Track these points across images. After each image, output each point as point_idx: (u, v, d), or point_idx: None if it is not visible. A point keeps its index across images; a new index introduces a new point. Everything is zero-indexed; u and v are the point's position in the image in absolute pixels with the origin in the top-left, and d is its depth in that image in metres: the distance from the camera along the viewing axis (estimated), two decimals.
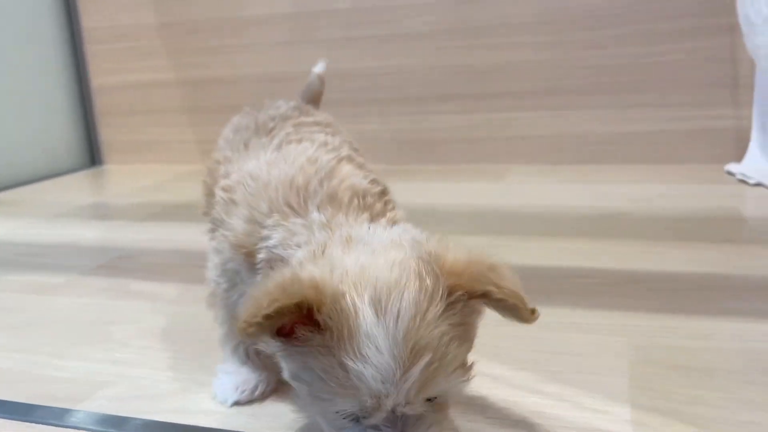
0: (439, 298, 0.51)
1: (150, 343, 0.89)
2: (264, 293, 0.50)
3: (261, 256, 0.63)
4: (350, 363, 0.48)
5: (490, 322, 0.87)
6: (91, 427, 0.69)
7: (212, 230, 0.75)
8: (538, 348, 0.81)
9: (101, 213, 1.71)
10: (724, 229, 1.25)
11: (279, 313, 0.48)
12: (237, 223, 0.66)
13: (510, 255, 1.14)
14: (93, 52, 2.32)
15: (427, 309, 0.50)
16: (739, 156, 1.65)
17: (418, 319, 0.49)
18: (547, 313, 0.88)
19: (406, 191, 1.67)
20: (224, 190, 0.71)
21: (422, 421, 0.51)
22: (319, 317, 0.49)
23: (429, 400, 0.51)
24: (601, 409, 0.67)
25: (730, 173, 1.60)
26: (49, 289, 1.12)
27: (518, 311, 0.52)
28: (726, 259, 1.07)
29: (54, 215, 1.67)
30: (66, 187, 2.09)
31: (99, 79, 2.33)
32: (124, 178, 2.16)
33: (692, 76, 1.73)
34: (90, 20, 2.29)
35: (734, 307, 0.88)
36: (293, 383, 0.55)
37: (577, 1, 1.81)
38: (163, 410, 0.72)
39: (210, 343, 0.87)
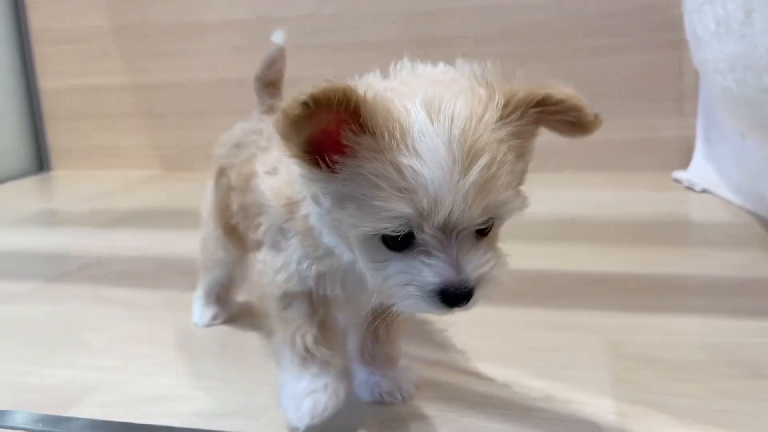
0: (495, 105, 0.49)
1: (132, 350, 0.88)
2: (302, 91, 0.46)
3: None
4: (405, 161, 0.46)
5: (473, 321, 0.91)
6: None
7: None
8: (520, 346, 0.84)
9: (56, 220, 1.66)
10: (676, 232, 1.33)
11: (325, 95, 0.46)
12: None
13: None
14: (42, 54, 2.25)
15: (483, 113, 0.48)
16: (684, 164, 1.74)
17: (474, 121, 0.48)
18: (524, 314, 0.94)
19: None
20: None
21: (477, 247, 0.50)
22: (367, 119, 0.47)
23: (480, 231, 0.50)
24: (586, 401, 0.71)
25: (677, 180, 1.69)
26: (15, 297, 1.09)
27: (581, 113, 0.51)
28: (681, 261, 1.14)
29: (6, 223, 1.61)
30: (14, 193, 2.02)
31: (48, 82, 2.27)
32: (74, 185, 2.10)
33: (641, 89, 1.82)
34: (39, 22, 2.23)
35: (695, 304, 0.94)
36: (333, 216, 0.53)
37: (532, 16, 1.88)
38: (157, 414, 0.72)
39: (193, 350, 0.88)
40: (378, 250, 0.51)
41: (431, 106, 0.48)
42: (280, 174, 0.64)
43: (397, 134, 0.47)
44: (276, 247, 0.65)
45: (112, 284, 1.13)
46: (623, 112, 1.84)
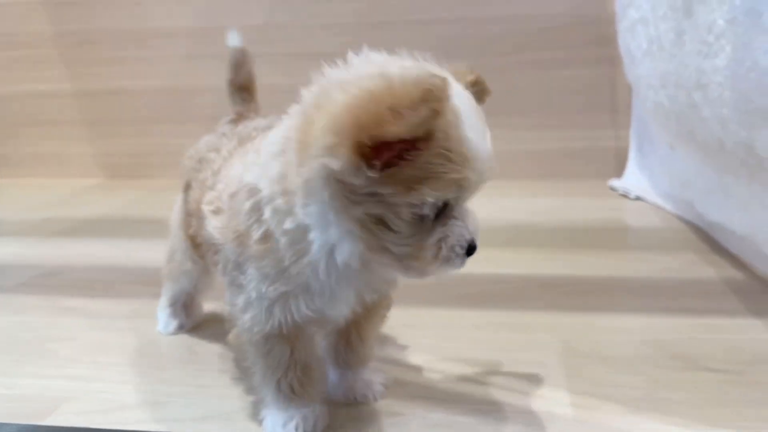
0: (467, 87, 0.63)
1: (102, 359, 0.89)
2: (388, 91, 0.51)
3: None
4: (466, 134, 0.54)
5: (439, 324, 0.95)
6: None
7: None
8: (476, 346, 0.89)
9: (3, 230, 1.62)
10: (615, 237, 1.42)
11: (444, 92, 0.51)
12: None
13: None
14: None
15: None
16: (619, 172, 1.85)
17: (479, 112, 0.58)
18: (480, 316, 0.99)
19: None
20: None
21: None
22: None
23: None
24: (543, 395, 0.77)
25: (613, 188, 1.79)
26: None
27: (486, 88, 0.67)
28: (621, 264, 1.22)
29: None
30: None
31: None
32: (16, 193, 2.04)
33: (579, 101, 1.92)
34: None
35: (638, 304, 1.02)
36: (364, 208, 0.55)
37: (475, 30, 1.96)
38: (137, 420, 0.73)
39: (164, 358, 0.89)
40: (417, 224, 0.56)
41: (459, 98, 0.56)
42: (223, 212, 0.66)
43: (454, 118, 0.54)
44: (235, 284, 0.66)
45: (71, 294, 1.13)
46: (562, 123, 1.94)
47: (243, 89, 0.94)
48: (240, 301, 0.66)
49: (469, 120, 0.55)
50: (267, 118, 0.86)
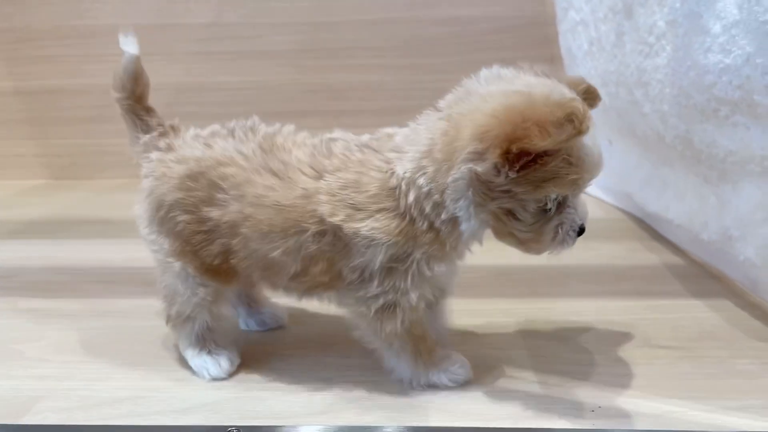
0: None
1: (71, 358, 0.88)
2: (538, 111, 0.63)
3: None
4: (586, 141, 0.65)
5: None
6: None
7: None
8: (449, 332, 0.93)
9: None
10: None
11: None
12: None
13: None
14: None
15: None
16: None
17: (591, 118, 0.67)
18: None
19: None
20: None
21: None
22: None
23: None
24: (511, 375, 0.81)
25: None
26: None
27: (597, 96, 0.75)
28: (571, 253, 1.27)
29: None
30: None
31: None
32: None
33: None
34: None
35: (590, 289, 1.08)
36: (498, 204, 0.68)
37: (423, 31, 2.00)
38: (119, 415, 0.74)
39: (135, 354, 0.89)
40: (540, 215, 0.69)
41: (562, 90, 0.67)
42: (363, 212, 0.70)
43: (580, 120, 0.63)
44: (391, 273, 0.72)
45: (28, 295, 1.11)
46: None
47: (143, 100, 0.87)
48: (407, 283, 0.72)
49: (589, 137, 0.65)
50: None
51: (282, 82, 2.06)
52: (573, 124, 0.61)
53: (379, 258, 0.70)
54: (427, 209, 0.69)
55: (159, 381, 0.82)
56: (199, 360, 0.82)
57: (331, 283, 0.74)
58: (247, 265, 0.76)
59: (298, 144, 0.77)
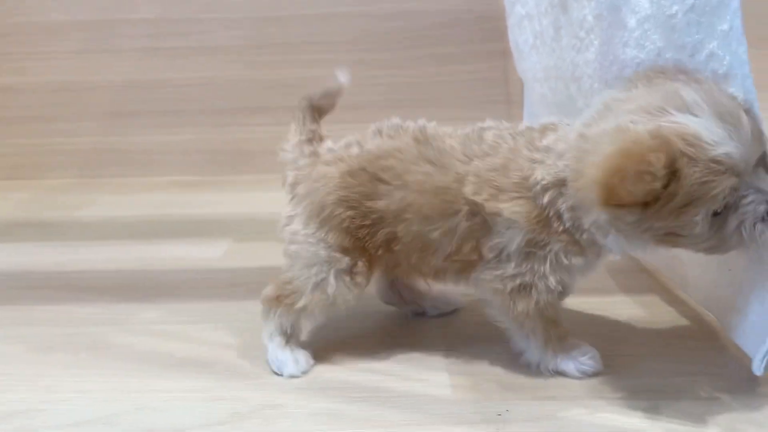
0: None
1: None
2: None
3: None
4: (712, 152, 0.60)
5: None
6: None
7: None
8: (364, 335, 0.92)
9: None
10: None
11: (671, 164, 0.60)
12: None
13: None
14: None
15: (706, 86, 0.65)
16: None
17: (709, 93, 0.64)
18: (367, 305, 1.01)
19: (223, 202, 1.72)
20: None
21: (758, 168, 0.64)
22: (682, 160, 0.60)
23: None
24: (424, 378, 0.80)
25: None
26: None
27: None
28: None
29: None
30: None
31: None
32: None
33: (472, 94, 1.98)
34: None
35: None
36: (648, 233, 0.66)
37: (378, 24, 1.98)
38: (13, 430, 0.71)
39: (45, 364, 0.86)
40: (709, 225, 0.64)
41: (683, 107, 0.62)
42: (505, 198, 0.73)
43: (695, 141, 0.60)
44: (529, 257, 0.74)
45: None
46: (460, 115, 1.98)
47: (321, 114, 0.93)
48: (543, 267, 0.74)
49: (708, 124, 0.61)
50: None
51: (232, 78, 2.03)
52: (646, 177, 0.59)
53: (517, 241, 0.73)
54: (567, 224, 0.71)
55: (64, 393, 0.79)
56: (281, 354, 0.83)
57: (478, 261, 0.78)
58: (408, 249, 0.80)
59: (449, 134, 0.81)
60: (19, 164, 2.06)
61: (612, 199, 0.61)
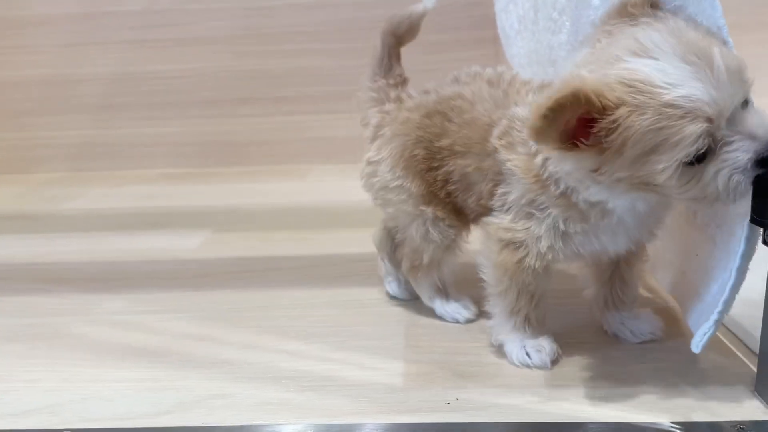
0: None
1: None
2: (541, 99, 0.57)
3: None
4: (670, 95, 0.55)
5: (286, 306, 0.96)
6: None
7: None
8: (326, 323, 0.90)
9: None
10: None
11: (558, 104, 0.55)
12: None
13: (305, 247, 1.24)
14: None
15: (674, 25, 0.60)
16: None
17: (675, 34, 0.59)
18: (335, 294, 1.00)
19: (209, 194, 1.72)
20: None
21: (750, 112, 0.59)
22: (605, 100, 0.56)
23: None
24: (378, 367, 0.78)
25: None
26: None
27: None
28: None
29: None
30: None
31: None
32: None
33: None
34: None
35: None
36: (627, 180, 0.61)
37: (365, 12, 1.95)
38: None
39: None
40: (686, 173, 0.58)
41: (639, 51, 0.58)
42: (518, 150, 0.71)
43: (642, 86, 0.56)
44: (528, 217, 0.72)
45: None
46: None
47: (400, 45, 0.95)
48: (539, 229, 0.71)
49: (670, 76, 0.56)
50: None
51: (219, 69, 2.01)
52: (544, 117, 0.56)
53: (515, 194, 0.72)
54: (561, 186, 0.68)
55: (12, 383, 0.78)
56: (449, 307, 0.89)
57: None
58: (457, 189, 0.80)
59: (524, 82, 0.80)
60: (9, 159, 2.07)
61: (531, 135, 0.59)
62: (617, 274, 0.81)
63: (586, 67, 0.62)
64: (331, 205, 1.55)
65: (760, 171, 0.58)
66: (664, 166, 0.58)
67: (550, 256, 0.72)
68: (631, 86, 0.57)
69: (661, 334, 0.81)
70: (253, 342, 0.86)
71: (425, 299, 0.91)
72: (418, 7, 0.91)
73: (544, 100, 0.56)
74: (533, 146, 0.69)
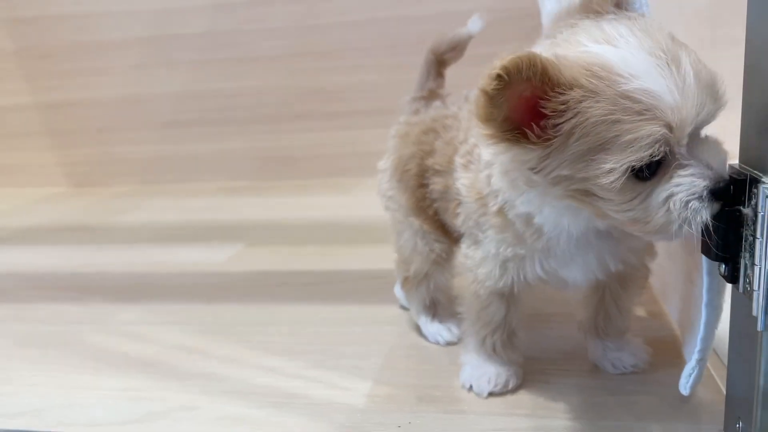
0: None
1: None
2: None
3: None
4: (629, 86, 0.49)
5: (280, 321, 0.98)
6: None
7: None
8: (313, 341, 0.92)
9: None
10: None
11: (514, 64, 0.48)
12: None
13: (325, 262, 1.26)
14: None
15: (642, 24, 0.54)
16: None
17: (649, 29, 0.52)
18: (334, 311, 1.01)
19: (256, 207, 1.78)
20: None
21: (706, 141, 0.53)
22: (562, 77, 0.50)
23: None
24: (347, 387, 0.78)
25: None
26: None
27: None
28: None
29: None
30: None
31: None
32: None
33: None
34: None
35: None
36: (562, 185, 0.54)
37: (412, 28, 1.96)
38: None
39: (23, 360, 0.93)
40: (632, 188, 0.52)
41: (601, 39, 0.52)
42: (471, 169, 0.69)
43: (600, 71, 0.50)
44: (474, 240, 0.71)
45: None
46: None
47: (443, 66, 0.94)
48: (477, 255, 0.70)
49: (633, 68, 0.50)
50: None
51: (276, 86, 2.08)
52: (483, 95, 0.50)
53: (464, 216, 0.71)
54: (499, 198, 0.64)
55: (13, 386, 0.85)
56: (432, 327, 0.88)
57: None
58: (440, 206, 0.80)
59: None
60: (88, 173, 2.24)
61: (479, 108, 0.51)
62: (603, 302, 0.77)
63: (555, 48, 0.55)
64: (365, 220, 1.55)
65: (714, 203, 0.52)
66: (611, 168, 0.50)
67: (489, 284, 0.69)
68: (588, 69, 0.50)
69: (644, 367, 0.76)
70: (237, 356, 0.88)
71: (413, 315, 0.91)
72: (463, 31, 0.92)
73: (497, 61, 0.49)
74: (483, 162, 0.65)
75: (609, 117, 0.50)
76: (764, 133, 0.53)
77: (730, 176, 0.53)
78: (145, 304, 1.09)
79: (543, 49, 0.55)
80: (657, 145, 0.50)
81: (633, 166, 0.51)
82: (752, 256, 0.53)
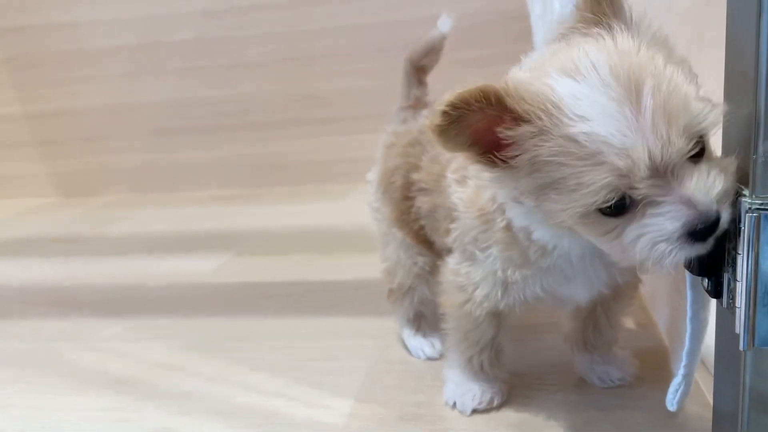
0: (619, 28, 0.51)
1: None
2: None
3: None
4: (573, 129, 0.46)
5: (261, 336, 0.96)
6: None
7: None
8: (295, 356, 0.90)
9: None
10: None
11: (462, 99, 0.47)
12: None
13: (311, 272, 1.24)
14: None
15: (617, 44, 0.49)
16: None
17: (615, 56, 0.48)
18: (318, 324, 0.99)
19: (247, 215, 1.76)
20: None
21: (698, 170, 0.47)
22: (515, 108, 0.48)
23: (695, 155, 0.48)
24: (328, 405, 0.76)
25: None
26: None
27: None
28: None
29: None
30: None
31: None
32: None
33: None
34: None
35: None
36: (544, 208, 0.52)
37: (405, 32, 1.94)
38: None
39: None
40: (602, 223, 0.50)
41: (568, 69, 0.48)
42: (469, 184, 0.65)
43: (552, 109, 0.47)
44: (471, 258, 0.66)
45: None
46: None
47: (423, 72, 0.91)
48: (476, 274, 0.66)
49: (581, 107, 0.47)
50: None
51: (266, 92, 2.07)
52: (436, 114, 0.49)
53: (460, 231, 0.67)
54: (508, 214, 0.61)
55: None
56: (415, 341, 0.87)
57: None
58: (425, 223, 0.78)
59: None
60: (76, 182, 2.22)
61: (432, 132, 0.50)
62: (593, 316, 0.75)
63: (530, 71, 0.53)
64: (356, 227, 1.53)
65: (691, 245, 0.48)
66: (564, 209, 0.49)
67: (487, 305, 0.67)
68: (542, 106, 0.48)
69: (631, 380, 0.74)
70: (220, 374, 0.86)
71: (399, 327, 0.89)
72: (434, 33, 0.89)
73: (447, 95, 0.48)
74: (483, 178, 0.61)
75: (555, 159, 0.48)
76: (745, 145, 0.51)
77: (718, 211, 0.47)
78: (129, 319, 1.08)
79: (534, 60, 0.55)
80: (604, 192, 0.47)
81: (591, 210, 0.48)
82: (734, 271, 0.51)
